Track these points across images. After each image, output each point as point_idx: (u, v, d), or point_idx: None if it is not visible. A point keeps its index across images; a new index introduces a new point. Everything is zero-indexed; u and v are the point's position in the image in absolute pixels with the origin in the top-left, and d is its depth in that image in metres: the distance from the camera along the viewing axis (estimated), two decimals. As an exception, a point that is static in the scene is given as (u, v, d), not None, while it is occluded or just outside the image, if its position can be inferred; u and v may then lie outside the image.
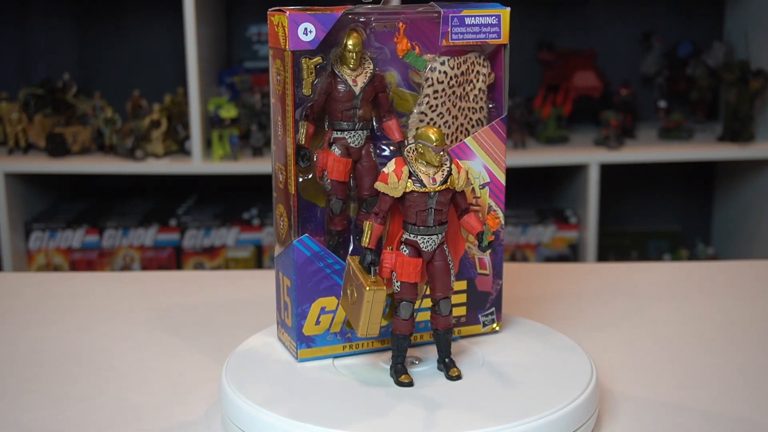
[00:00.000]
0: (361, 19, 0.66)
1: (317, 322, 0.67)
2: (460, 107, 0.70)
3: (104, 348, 0.82)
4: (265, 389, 0.64)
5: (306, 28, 0.63)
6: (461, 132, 0.70)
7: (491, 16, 0.68)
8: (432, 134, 0.62)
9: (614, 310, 0.90)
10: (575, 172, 2.21)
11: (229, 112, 2.07)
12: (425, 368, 0.67)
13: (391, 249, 0.64)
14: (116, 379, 0.75)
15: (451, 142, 0.70)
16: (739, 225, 2.36)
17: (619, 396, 0.70)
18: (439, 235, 0.64)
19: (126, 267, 2.20)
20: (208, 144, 2.13)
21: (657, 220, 2.53)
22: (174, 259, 2.22)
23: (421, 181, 0.62)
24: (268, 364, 0.68)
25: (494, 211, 0.69)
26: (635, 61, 2.43)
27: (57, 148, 2.12)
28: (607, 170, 2.17)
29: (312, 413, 0.60)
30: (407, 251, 0.64)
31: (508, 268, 1.08)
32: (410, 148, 0.64)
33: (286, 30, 0.63)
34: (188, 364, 0.78)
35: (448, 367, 0.66)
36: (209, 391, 0.72)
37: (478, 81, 0.70)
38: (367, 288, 0.62)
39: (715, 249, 2.45)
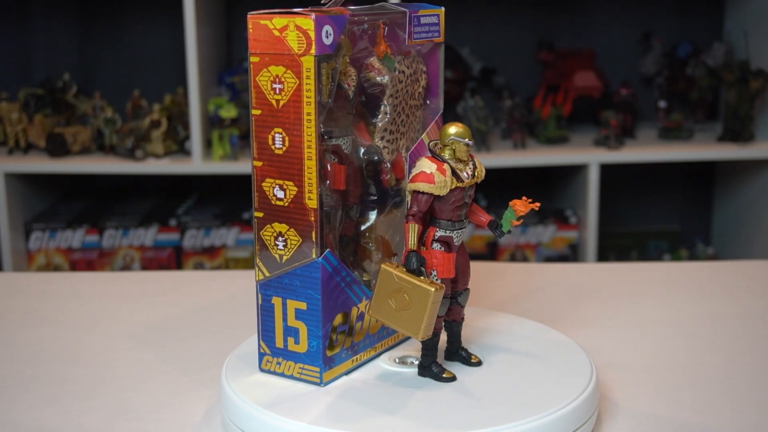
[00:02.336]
0: (364, 20, 0.65)
1: (336, 341, 0.65)
2: (410, 105, 0.70)
3: (104, 348, 0.82)
4: (265, 389, 0.64)
5: (327, 31, 0.60)
6: (411, 129, 0.71)
7: (434, 15, 0.71)
8: (462, 129, 0.63)
9: (614, 310, 0.90)
10: (575, 172, 2.22)
11: (229, 112, 2.07)
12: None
13: (424, 248, 0.64)
14: (116, 379, 0.75)
15: (406, 140, 0.70)
16: (739, 225, 2.36)
17: (619, 396, 0.70)
18: (467, 228, 0.65)
19: (126, 267, 2.20)
20: (208, 144, 2.13)
21: (657, 220, 2.53)
22: (174, 259, 2.22)
23: (459, 176, 0.63)
24: (268, 364, 0.68)
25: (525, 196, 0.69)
26: (635, 61, 2.43)
27: (57, 148, 2.12)
28: (607, 170, 2.17)
29: (312, 413, 0.60)
30: (442, 248, 0.64)
31: (509, 268, 1.08)
32: (434, 144, 0.64)
33: (311, 34, 0.60)
34: (188, 365, 0.78)
35: (467, 357, 0.67)
36: (209, 391, 0.72)
37: (422, 79, 0.71)
38: (433, 289, 0.62)
39: (715, 249, 2.45)
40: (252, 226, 2.18)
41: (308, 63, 0.60)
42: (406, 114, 0.70)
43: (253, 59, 0.62)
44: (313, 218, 0.63)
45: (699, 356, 0.79)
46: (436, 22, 0.71)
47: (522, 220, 0.65)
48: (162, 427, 0.66)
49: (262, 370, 0.67)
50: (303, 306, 0.64)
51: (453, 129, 0.63)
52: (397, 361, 0.68)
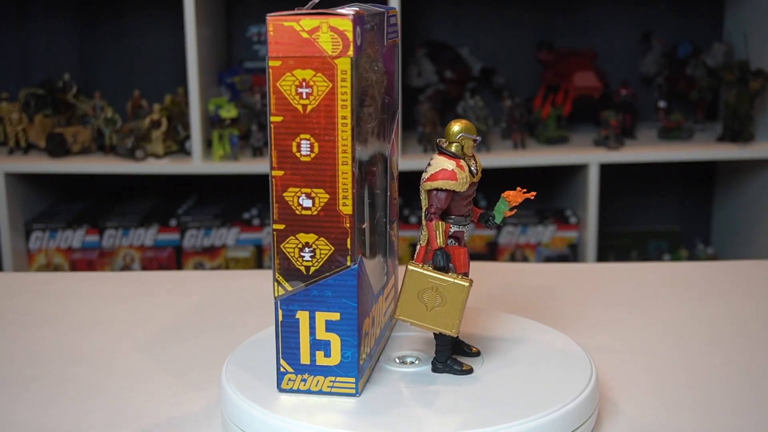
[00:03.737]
0: (366, 20, 0.65)
1: (364, 347, 0.64)
2: (378, 105, 0.71)
3: (104, 348, 0.82)
4: (265, 389, 0.64)
5: (357, 32, 0.59)
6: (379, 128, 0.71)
7: (394, 15, 0.71)
8: (470, 125, 0.64)
9: (614, 310, 0.90)
10: (575, 172, 2.22)
11: (229, 112, 2.07)
12: (422, 368, 0.67)
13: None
14: (116, 379, 0.75)
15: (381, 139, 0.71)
16: (739, 225, 2.36)
17: (619, 396, 0.70)
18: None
19: (126, 267, 2.20)
20: (208, 144, 2.13)
21: (657, 220, 2.53)
22: (174, 259, 2.22)
23: (471, 171, 0.64)
24: (269, 364, 0.68)
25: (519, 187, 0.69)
26: (635, 61, 2.43)
27: (57, 148, 2.12)
28: (607, 170, 2.17)
29: (312, 413, 0.60)
30: (455, 244, 0.65)
31: (509, 268, 1.08)
32: (440, 141, 0.64)
33: (349, 35, 0.58)
34: (188, 364, 0.78)
35: (467, 349, 0.68)
36: (209, 391, 0.72)
37: (384, 81, 0.71)
38: (467, 284, 0.62)
39: (715, 249, 2.45)
40: (252, 227, 2.19)
41: (344, 65, 0.58)
42: (377, 113, 0.71)
43: (272, 63, 0.59)
44: (348, 224, 0.61)
45: (699, 356, 0.79)
46: (395, 22, 0.72)
47: (515, 211, 0.66)
48: (162, 427, 0.66)
49: (282, 390, 0.63)
50: (335, 317, 0.62)
51: (460, 126, 0.64)
52: (398, 361, 0.68)
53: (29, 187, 2.22)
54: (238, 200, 2.31)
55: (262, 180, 2.09)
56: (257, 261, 2.23)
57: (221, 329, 0.86)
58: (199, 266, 2.22)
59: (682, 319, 0.88)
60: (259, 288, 0.97)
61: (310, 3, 0.62)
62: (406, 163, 2.07)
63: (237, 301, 0.94)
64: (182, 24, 2.04)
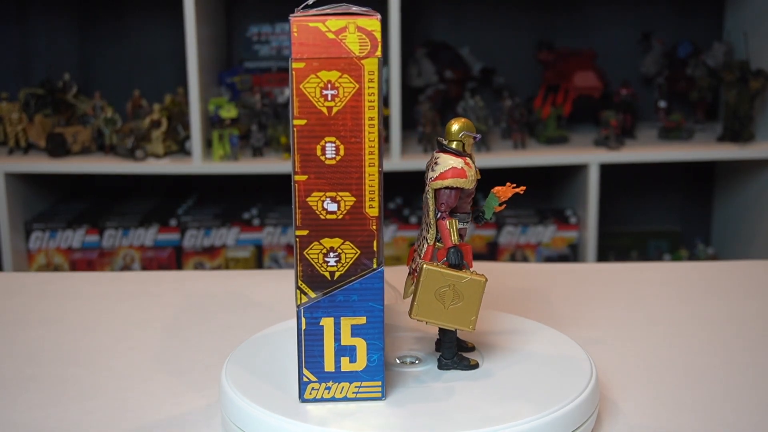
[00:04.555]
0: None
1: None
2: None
3: (104, 348, 0.82)
4: (265, 389, 0.64)
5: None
6: None
7: None
8: (470, 123, 0.64)
9: (614, 310, 0.90)
10: (575, 172, 2.22)
11: (229, 112, 2.07)
12: (425, 368, 0.67)
13: (441, 244, 0.65)
14: (116, 379, 0.75)
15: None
16: (739, 225, 2.36)
17: (619, 396, 0.70)
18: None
19: (126, 267, 2.20)
20: (208, 144, 2.13)
21: (657, 220, 2.53)
22: (174, 259, 2.22)
23: (475, 169, 0.64)
24: (269, 364, 0.68)
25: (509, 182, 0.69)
26: (635, 61, 2.43)
27: (57, 148, 2.12)
28: (607, 170, 2.17)
29: (312, 413, 0.60)
30: (461, 241, 0.65)
31: (509, 268, 1.08)
32: (442, 140, 0.64)
33: (377, 35, 0.57)
34: (188, 364, 0.78)
35: (463, 345, 0.69)
36: (209, 391, 0.72)
37: None
38: (484, 280, 0.62)
39: (715, 249, 2.45)
40: (252, 227, 2.19)
41: (371, 65, 0.58)
42: None
43: (296, 65, 0.58)
44: (374, 227, 0.60)
45: (699, 356, 0.79)
46: None
47: (505, 205, 0.66)
48: (162, 427, 0.66)
49: (304, 400, 0.62)
50: (362, 321, 0.61)
51: (460, 124, 0.64)
52: (398, 361, 0.68)
53: (29, 187, 2.22)
54: (238, 200, 2.31)
55: (262, 180, 2.09)
56: (257, 261, 2.23)
57: (221, 329, 0.86)
58: (199, 266, 2.22)
59: (682, 319, 0.88)
60: (259, 288, 0.97)
61: (303, 4, 0.62)
62: (405, 163, 2.07)
63: (237, 301, 0.94)
64: (182, 24, 2.04)
